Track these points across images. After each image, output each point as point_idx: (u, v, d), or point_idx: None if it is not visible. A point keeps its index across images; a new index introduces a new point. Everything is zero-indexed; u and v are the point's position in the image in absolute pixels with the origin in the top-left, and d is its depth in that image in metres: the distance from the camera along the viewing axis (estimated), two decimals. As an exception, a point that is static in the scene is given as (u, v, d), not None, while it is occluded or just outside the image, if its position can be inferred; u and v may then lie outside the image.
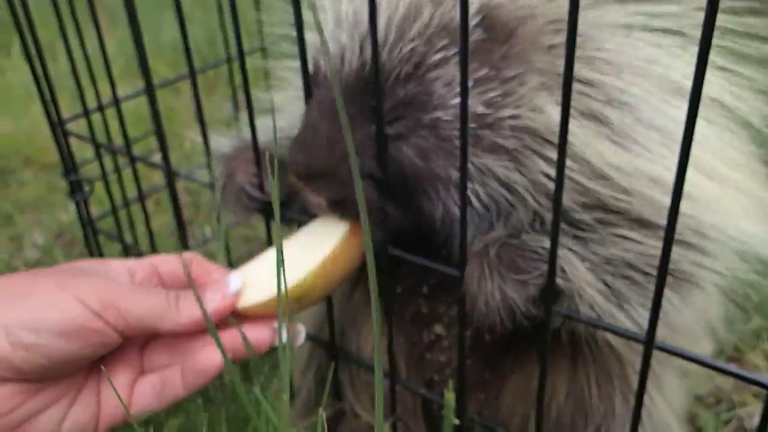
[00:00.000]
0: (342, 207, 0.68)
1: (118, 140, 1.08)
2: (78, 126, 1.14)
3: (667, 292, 0.64)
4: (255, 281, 0.69)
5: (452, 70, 0.65)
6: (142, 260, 0.73)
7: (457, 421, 0.73)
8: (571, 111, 0.61)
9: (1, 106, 2.17)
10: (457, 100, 0.64)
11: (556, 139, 0.55)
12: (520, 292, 0.64)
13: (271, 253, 0.73)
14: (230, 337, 0.67)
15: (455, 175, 0.66)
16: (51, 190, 1.78)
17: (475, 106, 0.65)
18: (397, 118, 0.66)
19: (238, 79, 1.51)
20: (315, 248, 0.69)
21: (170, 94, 2.20)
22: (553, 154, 0.62)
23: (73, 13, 1.03)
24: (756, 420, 1.09)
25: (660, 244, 0.52)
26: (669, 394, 0.84)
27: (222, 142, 0.84)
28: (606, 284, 0.65)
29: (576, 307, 0.65)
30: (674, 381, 0.86)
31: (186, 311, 0.66)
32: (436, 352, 0.84)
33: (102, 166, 1.10)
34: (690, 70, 0.46)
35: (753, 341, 1.23)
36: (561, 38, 0.64)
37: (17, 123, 2.06)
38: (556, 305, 0.65)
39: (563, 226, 0.65)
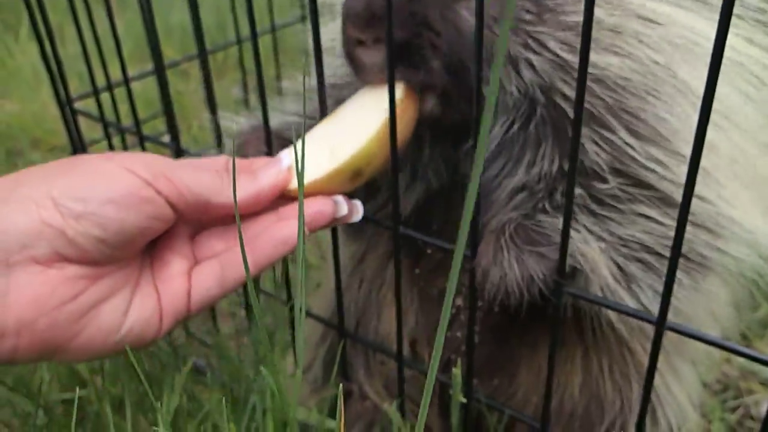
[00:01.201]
0: (401, 58, 0.63)
1: (126, 121, 1.08)
2: (86, 107, 1.14)
3: (679, 275, 0.64)
4: (307, 160, 0.66)
5: None
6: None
7: (464, 400, 0.73)
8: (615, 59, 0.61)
9: (9, 88, 2.17)
10: None
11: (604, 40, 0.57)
12: (540, 263, 0.63)
13: (319, 131, 0.69)
14: (292, 211, 0.67)
15: (516, 51, 0.63)
16: (59, 172, 1.78)
17: None
18: None
19: (247, 62, 1.50)
20: (370, 114, 0.66)
21: (178, 78, 2.20)
22: (597, 56, 0.61)
23: None
24: (764, 408, 1.09)
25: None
26: (685, 383, 0.84)
27: (235, 121, 0.84)
28: (619, 266, 0.64)
29: (589, 288, 0.65)
30: (689, 370, 0.85)
31: (239, 185, 0.63)
32: (455, 327, 0.83)
33: (111, 146, 1.10)
34: (733, 41, 0.45)
35: (760, 330, 1.22)
36: None
37: (25, 105, 2.06)
38: (571, 283, 0.64)
39: (582, 200, 0.64)
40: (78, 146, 1.10)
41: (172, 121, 0.87)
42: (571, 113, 0.62)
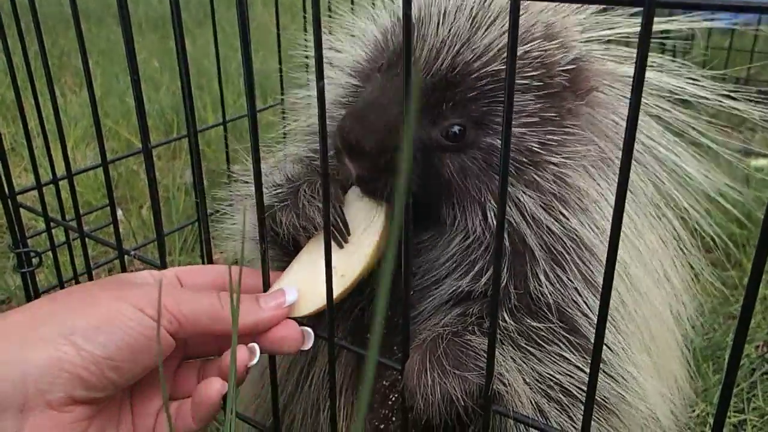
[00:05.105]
0: (370, 187, 0.69)
1: (72, 208, 1.07)
2: (33, 192, 1.13)
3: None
4: (305, 288, 0.70)
5: (528, 101, 0.67)
6: (166, 273, 0.73)
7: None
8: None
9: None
10: (521, 130, 0.67)
11: (581, 214, 0.65)
12: (462, 386, 0.65)
13: (307, 257, 0.72)
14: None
15: (486, 197, 0.68)
16: (0, 254, 1.74)
17: (532, 141, 0.67)
18: (457, 134, 0.67)
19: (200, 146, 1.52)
20: (363, 233, 0.70)
21: (133, 157, 2.20)
22: (570, 219, 0.68)
23: (31, 78, 1.02)
24: None
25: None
26: None
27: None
28: (537, 404, 0.66)
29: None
30: None
31: (241, 312, 0.65)
32: (391, 429, 0.83)
33: (51, 241, 1.09)
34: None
35: (699, 428, 1.24)
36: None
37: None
38: (495, 405, 0.66)
39: (511, 332, 0.67)
40: (18, 239, 1.09)
41: (116, 226, 0.87)
42: (536, 258, 0.68)
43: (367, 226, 0.71)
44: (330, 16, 0.88)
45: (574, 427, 0.67)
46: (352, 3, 0.88)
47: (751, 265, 0.43)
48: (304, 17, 1.39)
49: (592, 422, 0.65)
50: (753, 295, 0.44)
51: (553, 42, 0.69)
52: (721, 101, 0.71)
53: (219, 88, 1.37)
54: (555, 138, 0.68)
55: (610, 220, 0.68)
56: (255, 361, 0.69)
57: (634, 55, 0.43)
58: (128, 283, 0.67)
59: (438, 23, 0.68)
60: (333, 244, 0.71)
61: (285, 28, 1.46)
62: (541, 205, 0.68)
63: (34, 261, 1.11)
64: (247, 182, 0.87)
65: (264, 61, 2.89)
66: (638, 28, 0.66)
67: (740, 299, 1.54)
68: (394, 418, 0.82)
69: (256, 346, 0.69)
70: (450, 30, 0.67)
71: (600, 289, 0.67)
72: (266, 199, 0.71)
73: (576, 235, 0.69)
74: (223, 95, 1.39)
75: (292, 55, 0.92)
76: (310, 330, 0.72)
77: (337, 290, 0.69)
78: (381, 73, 0.72)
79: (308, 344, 0.71)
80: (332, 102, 0.79)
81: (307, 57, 0.86)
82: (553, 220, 0.68)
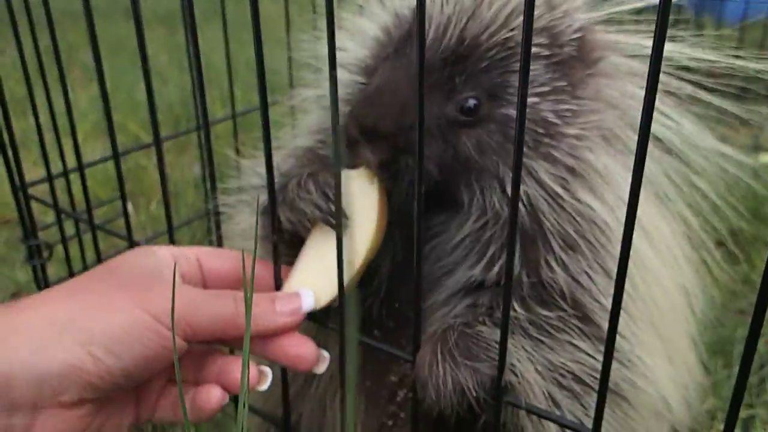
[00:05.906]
0: (387, 170, 0.68)
1: (82, 202, 1.07)
2: (43, 186, 1.14)
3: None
4: (315, 282, 0.70)
5: (539, 70, 0.67)
6: (187, 252, 0.72)
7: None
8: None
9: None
10: (535, 99, 0.67)
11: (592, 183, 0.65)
12: (473, 377, 0.65)
13: (312, 251, 0.72)
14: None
15: (504, 171, 0.68)
16: (10, 247, 1.75)
17: (546, 112, 0.67)
18: (473, 108, 0.67)
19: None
20: (362, 210, 0.69)
21: (141, 152, 2.20)
22: (584, 195, 0.68)
23: (42, 72, 1.03)
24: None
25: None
26: None
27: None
28: (548, 392, 0.66)
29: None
30: None
31: (256, 314, 0.65)
32: (399, 424, 0.82)
33: (62, 233, 1.09)
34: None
35: (708, 422, 1.24)
36: (634, 87, 0.71)
37: (-19, 177, 2.04)
38: (507, 396, 0.66)
39: (522, 322, 0.67)
40: (29, 231, 1.09)
41: (127, 219, 0.88)
42: (549, 241, 0.68)
43: (362, 206, 0.70)
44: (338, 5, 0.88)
45: (586, 414, 0.67)
46: (361, 8, 0.88)
47: (762, 259, 0.42)
48: (314, 11, 1.39)
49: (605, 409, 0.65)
50: (766, 289, 0.44)
51: (557, 11, 0.69)
52: (733, 64, 0.70)
53: (229, 82, 1.38)
54: (569, 108, 0.68)
55: (623, 197, 0.68)
56: (265, 387, 0.69)
57: (640, 27, 0.43)
58: (147, 280, 0.66)
59: (442, 3, 0.69)
60: (321, 230, 0.70)
61: (293, 21, 1.46)
62: (557, 179, 0.68)
63: (45, 254, 1.12)
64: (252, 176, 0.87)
65: (271, 56, 2.89)
66: (642, 3, 0.65)
67: (749, 294, 1.54)
68: (402, 414, 0.82)
69: (268, 370, 0.69)
70: (455, 6, 0.68)
71: (611, 273, 0.67)
72: (262, 197, 0.71)
73: (589, 214, 0.68)
74: (233, 89, 1.40)
75: (301, 49, 0.92)
76: (327, 354, 0.72)
77: (347, 278, 0.68)
78: (388, 61, 0.72)
79: (321, 369, 0.71)
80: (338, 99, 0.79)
81: (315, 57, 0.86)
82: (568, 195, 0.68)
